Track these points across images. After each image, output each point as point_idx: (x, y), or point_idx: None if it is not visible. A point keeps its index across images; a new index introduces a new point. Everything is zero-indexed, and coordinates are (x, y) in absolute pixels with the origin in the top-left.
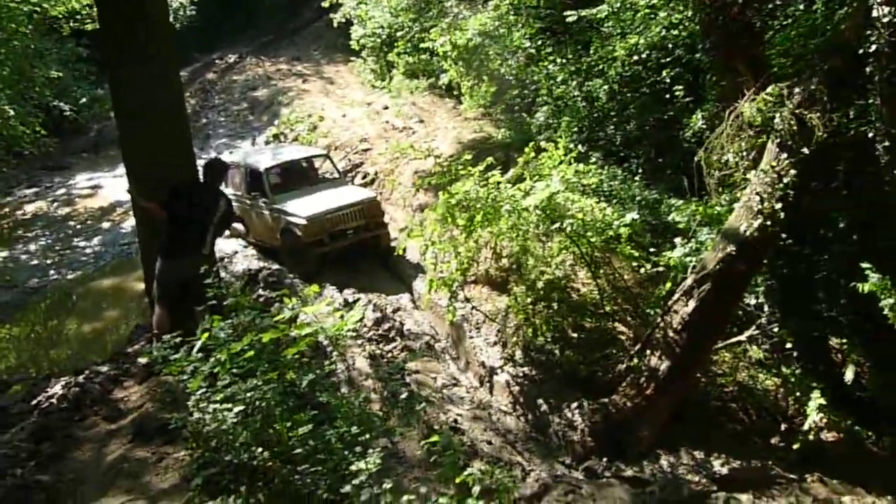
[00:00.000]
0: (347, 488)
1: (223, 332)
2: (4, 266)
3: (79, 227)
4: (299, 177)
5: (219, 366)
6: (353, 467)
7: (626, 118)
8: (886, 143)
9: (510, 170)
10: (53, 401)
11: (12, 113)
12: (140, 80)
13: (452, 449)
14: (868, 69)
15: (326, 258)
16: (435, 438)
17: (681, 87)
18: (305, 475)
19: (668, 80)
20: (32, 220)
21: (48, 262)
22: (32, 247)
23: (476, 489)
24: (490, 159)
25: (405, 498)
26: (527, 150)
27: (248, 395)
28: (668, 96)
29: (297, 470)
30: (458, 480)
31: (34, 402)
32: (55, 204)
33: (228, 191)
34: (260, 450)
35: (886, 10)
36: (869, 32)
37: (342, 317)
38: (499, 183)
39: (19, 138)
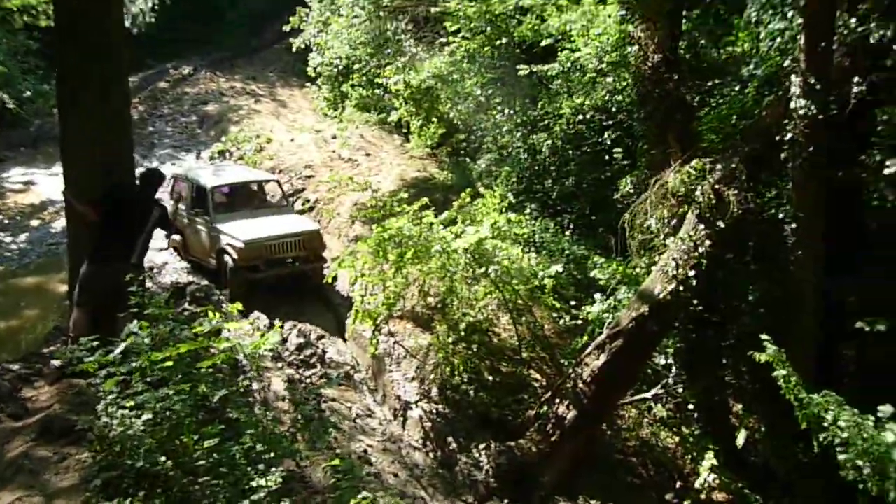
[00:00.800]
0: (247, 503)
1: (145, 339)
2: None
3: (7, 221)
4: (245, 199)
5: (136, 372)
6: (254, 483)
7: (565, 174)
8: (794, 226)
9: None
10: None
11: None
12: (88, 79)
13: (352, 474)
14: (783, 155)
15: (258, 284)
16: (335, 462)
17: (620, 151)
18: (206, 487)
19: (608, 142)
20: None
21: None
22: None
23: None
24: (425, 199)
25: None
26: (463, 194)
27: (159, 404)
28: (607, 157)
29: (199, 481)
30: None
31: None
32: None
33: (170, 203)
34: (164, 458)
35: (802, 102)
36: (787, 122)
37: (262, 336)
38: (432, 223)
39: None
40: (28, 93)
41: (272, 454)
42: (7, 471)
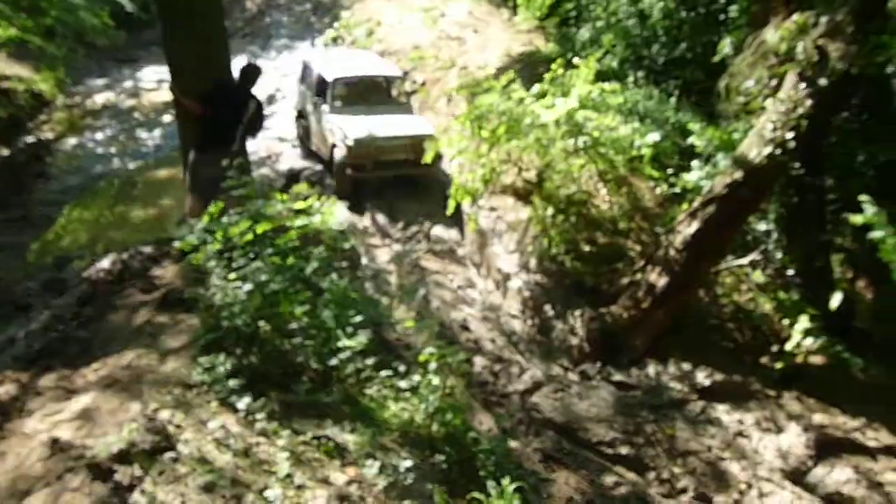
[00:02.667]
0: (334, 361)
1: (228, 216)
2: (74, 153)
3: (143, 119)
4: (366, 93)
5: (219, 245)
6: (341, 344)
7: (675, 38)
8: None
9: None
10: (101, 273)
11: (82, 4)
12: None
13: (429, 331)
14: (892, 5)
15: (362, 184)
16: (409, 323)
17: (736, 10)
18: (298, 346)
19: (723, 1)
20: (101, 111)
21: (112, 150)
22: (99, 136)
23: (433, 365)
24: (512, 73)
25: (384, 372)
26: (554, 65)
27: (256, 276)
28: (722, 17)
29: (291, 341)
30: (420, 360)
31: (84, 274)
32: (122, 96)
33: (300, 88)
34: (261, 322)
35: None
36: None
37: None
38: (522, 98)
39: (89, 29)
40: None
41: (359, 318)
42: (132, 335)
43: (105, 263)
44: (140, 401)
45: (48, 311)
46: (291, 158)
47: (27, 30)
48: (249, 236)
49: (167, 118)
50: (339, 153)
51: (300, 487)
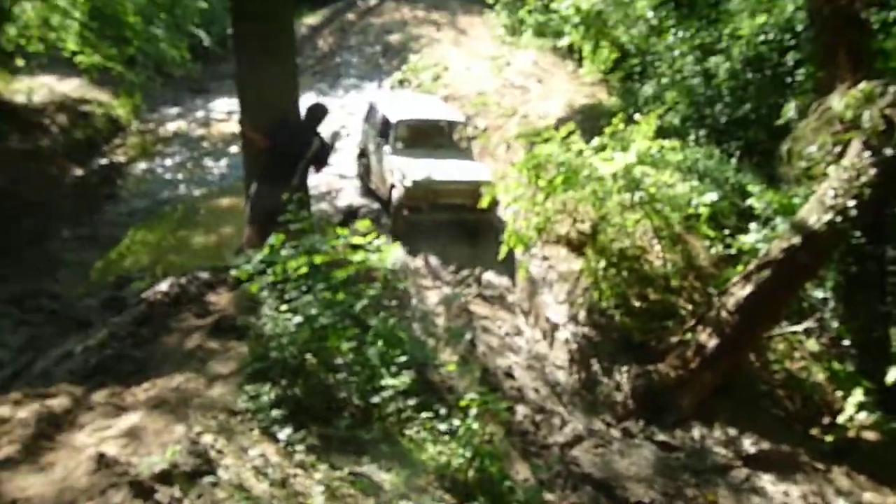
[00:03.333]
0: (376, 399)
1: (284, 249)
2: (143, 177)
3: (211, 148)
4: (428, 137)
5: (275, 277)
6: (384, 382)
7: (740, 98)
8: None
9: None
10: (158, 296)
11: (161, 36)
12: (258, 27)
13: (470, 378)
14: None
15: (417, 225)
16: (452, 367)
17: (803, 73)
18: (342, 381)
19: (790, 63)
20: (172, 138)
21: (180, 177)
22: (168, 162)
23: (473, 411)
24: (572, 124)
25: (424, 414)
26: (615, 119)
27: (307, 309)
28: (788, 80)
29: (336, 376)
30: (462, 404)
31: (143, 295)
32: (193, 125)
33: (364, 127)
34: (308, 354)
35: None
36: None
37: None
38: (581, 150)
39: (168, 60)
40: (230, 29)
41: (404, 358)
42: (183, 357)
43: (163, 286)
44: (185, 423)
45: (106, 328)
46: (350, 195)
47: (110, 57)
48: (305, 269)
49: (234, 149)
50: (397, 193)
51: None
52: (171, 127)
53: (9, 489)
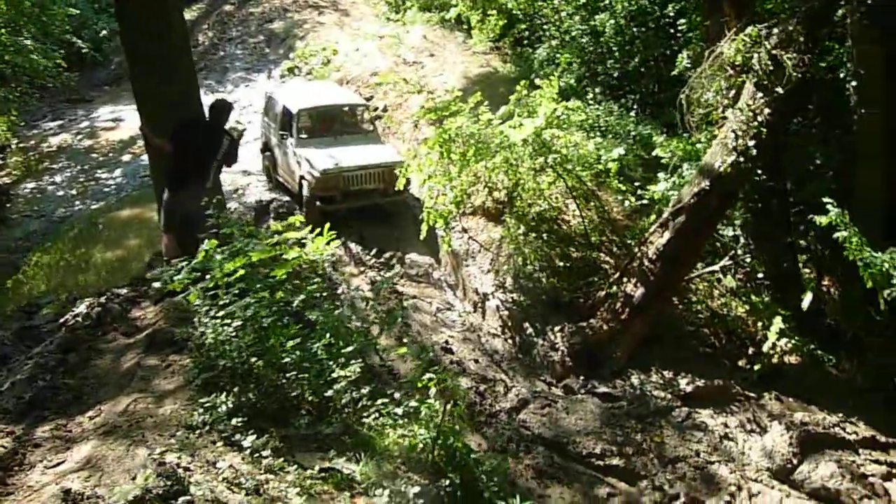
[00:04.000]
0: (329, 392)
1: (219, 254)
2: (33, 197)
3: (101, 159)
4: (331, 123)
5: (219, 284)
6: (335, 374)
7: (628, 53)
8: (855, 84)
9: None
10: (79, 319)
11: (31, 47)
12: (147, 23)
13: (420, 359)
14: (841, 11)
15: (331, 215)
16: (403, 350)
17: (685, 23)
18: (293, 380)
19: (671, 15)
20: (58, 153)
21: (73, 192)
22: (58, 178)
23: (433, 391)
24: (478, 96)
25: (380, 400)
26: (518, 87)
27: (246, 312)
28: (672, 31)
29: (286, 376)
30: (419, 385)
31: (62, 320)
32: (79, 136)
33: (263, 121)
34: (254, 358)
35: None
36: None
37: (327, 243)
38: (490, 120)
39: (41, 72)
40: (104, 32)
41: (350, 348)
42: (123, 379)
43: (82, 308)
44: (145, 446)
45: (31, 360)
46: (258, 191)
47: None
48: (242, 271)
49: (126, 157)
50: (308, 185)
51: None
52: (55, 141)
53: None
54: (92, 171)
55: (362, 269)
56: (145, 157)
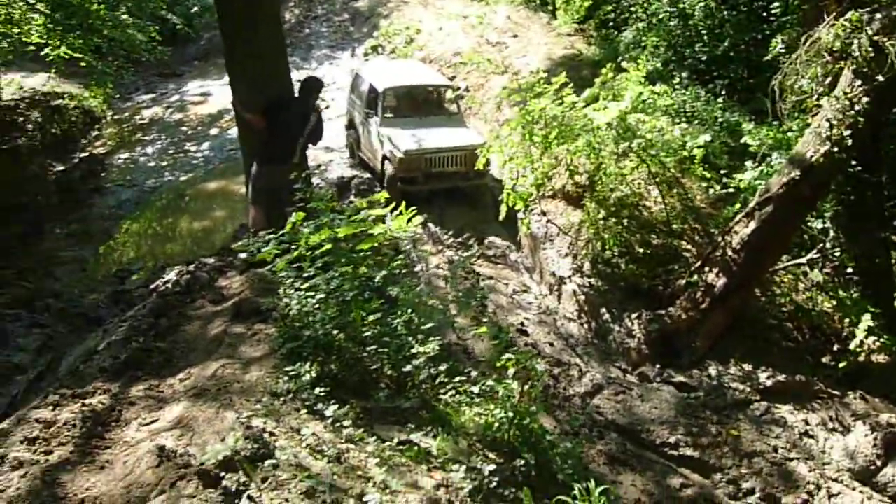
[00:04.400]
0: (409, 367)
1: (306, 227)
2: (126, 167)
3: (190, 132)
4: (417, 104)
5: (305, 258)
6: (414, 350)
7: (718, 37)
8: None
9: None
10: (169, 286)
11: (128, 21)
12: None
13: (500, 339)
14: None
15: (413, 196)
16: (483, 329)
17: (778, 6)
18: (373, 354)
19: None
20: (149, 125)
21: (163, 164)
22: (150, 149)
23: (511, 371)
24: (563, 77)
25: (457, 378)
26: (604, 70)
27: (329, 285)
28: (764, 15)
29: (366, 349)
30: (497, 365)
31: (153, 286)
32: (169, 110)
33: (350, 98)
34: (336, 331)
35: None
36: None
37: (401, 217)
38: (574, 102)
39: (137, 46)
40: (195, 8)
41: (429, 325)
42: (211, 345)
43: (172, 275)
44: (233, 410)
45: (125, 323)
46: (340, 167)
47: (78, 48)
48: (327, 245)
49: (214, 131)
50: (391, 165)
51: (394, 493)
52: (147, 114)
53: (73, 490)
54: (181, 143)
55: (440, 248)
56: (232, 131)
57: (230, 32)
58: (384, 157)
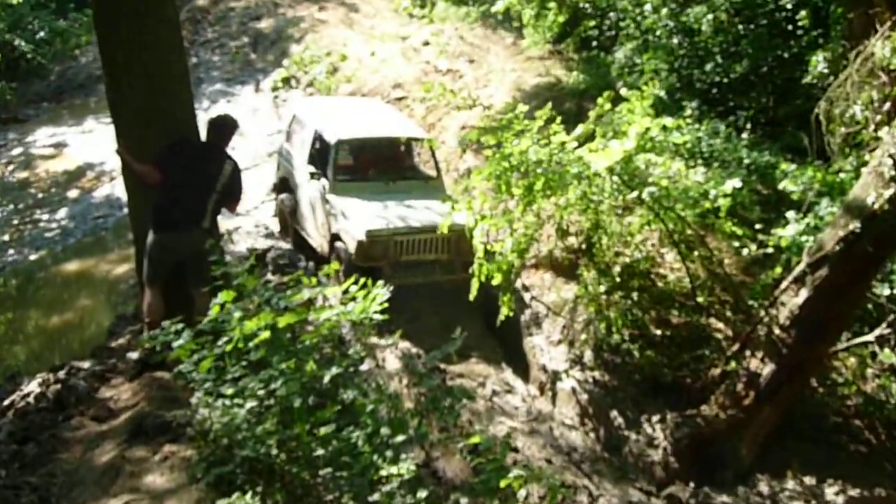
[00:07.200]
0: (377, 496)
1: (236, 311)
2: None
3: (41, 195)
4: (383, 163)
5: (230, 354)
6: (384, 472)
7: (734, 56)
8: None
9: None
10: (31, 400)
11: None
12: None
13: (495, 453)
14: None
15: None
16: (475, 439)
17: (806, 18)
18: (329, 480)
19: (789, 8)
20: None
21: (5, 238)
22: None
23: (522, 493)
24: (548, 109)
25: None
26: (600, 100)
27: (262, 389)
28: (790, 28)
29: (320, 474)
30: (502, 485)
31: (6, 403)
32: (11, 167)
33: (285, 147)
34: (276, 450)
35: None
36: None
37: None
38: (563, 142)
39: None
40: (42, 33)
41: (399, 438)
42: (103, 477)
43: (33, 387)
44: None
45: None
46: (251, 237)
47: None
48: (266, 334)
49: (73, 193)
50: (346, 249)
51: None
52: None
53: None
54: (28, 211)
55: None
56: (97, 192)
57: (112, 53)
58: (334, 238)
